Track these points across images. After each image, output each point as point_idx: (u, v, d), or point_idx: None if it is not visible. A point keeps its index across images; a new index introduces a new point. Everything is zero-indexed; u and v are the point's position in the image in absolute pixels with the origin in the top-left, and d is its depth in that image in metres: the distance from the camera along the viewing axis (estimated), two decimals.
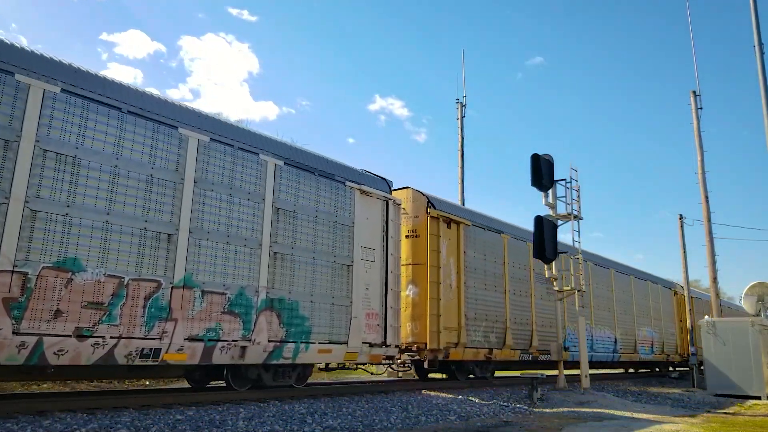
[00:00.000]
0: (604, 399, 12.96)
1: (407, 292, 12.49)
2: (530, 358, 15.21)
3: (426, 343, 11.95)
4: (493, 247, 14.55)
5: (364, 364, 10.73)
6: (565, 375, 14.23)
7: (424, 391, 11.70)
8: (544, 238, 13.49)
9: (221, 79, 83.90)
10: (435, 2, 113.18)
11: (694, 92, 22.93)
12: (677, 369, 26.93)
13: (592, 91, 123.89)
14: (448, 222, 13.17)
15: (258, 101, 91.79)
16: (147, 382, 12.26)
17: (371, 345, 10.53)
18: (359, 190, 10.81)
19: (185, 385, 12.49)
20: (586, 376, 14.15)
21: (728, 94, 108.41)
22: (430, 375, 14.67)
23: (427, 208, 12.69)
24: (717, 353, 17.37)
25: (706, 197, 21.69)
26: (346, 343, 9.99)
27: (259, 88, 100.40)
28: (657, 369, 25.45)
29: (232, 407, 7.93)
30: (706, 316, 19.45)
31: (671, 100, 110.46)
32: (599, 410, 11.51)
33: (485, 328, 13.65)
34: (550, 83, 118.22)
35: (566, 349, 16.90)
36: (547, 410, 11.13)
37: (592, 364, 18.42)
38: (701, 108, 22.73)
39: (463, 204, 27.17)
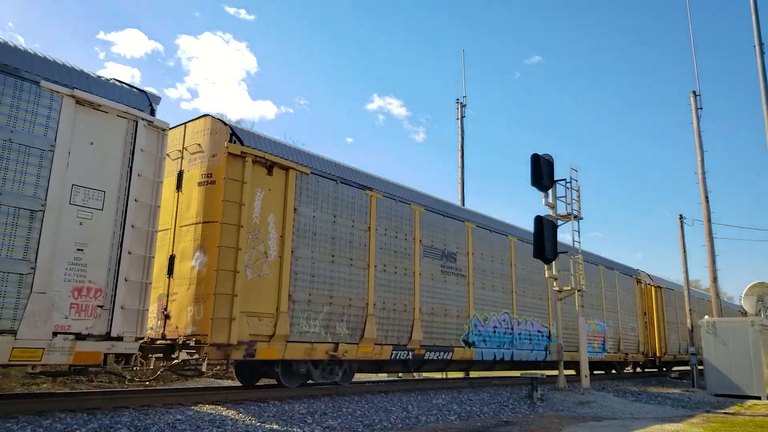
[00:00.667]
0: (604, 399, 12.82)
1: (193, 263, 8.69)
2: (410, 356, 11.43)
3: (208, 335, 8.17)
4: (351, 206, 10.72)
5: (63, 367, 6.93)
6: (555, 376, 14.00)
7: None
8: (544, 238, 13.31)
9: (219, 78, 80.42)
10: (433, 2, 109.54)
11: (694, 92, 22.63)
12: (652, 369, 24.76)
13: (590, 90, 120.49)
14: (269, 166, 9.37)
15: (256, 100, 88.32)
16: (147, 382, 11.53)
17: (80, 337, 6.75)
18: (72, 97, 6.99)
19: (185, 385, 12.03)
20: (586, 376, 14.10)
21: (728, 94, 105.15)
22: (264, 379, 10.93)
23: (228, 142, 8.90)
24: (717, 353, 17.16)
25: (706, 197, 21.38)
26: (14, 332, 6.21)
27: (257, 88, 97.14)
28: (613, 370, 21.69)
29: (232, 407, 7.82)
30: (706, 316, 19.00)
31: (671, 100, 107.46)
32: (599, 410, 11.46)
33: (329, 315, 9.86)
34: (549, 82, 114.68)
35: (471, 344, 13.14)
36: (548, 410, 11.09)
37: (517, 365, 14.74)
38: (701, 108, 22.51)
39: (463, 204, 23.58)
